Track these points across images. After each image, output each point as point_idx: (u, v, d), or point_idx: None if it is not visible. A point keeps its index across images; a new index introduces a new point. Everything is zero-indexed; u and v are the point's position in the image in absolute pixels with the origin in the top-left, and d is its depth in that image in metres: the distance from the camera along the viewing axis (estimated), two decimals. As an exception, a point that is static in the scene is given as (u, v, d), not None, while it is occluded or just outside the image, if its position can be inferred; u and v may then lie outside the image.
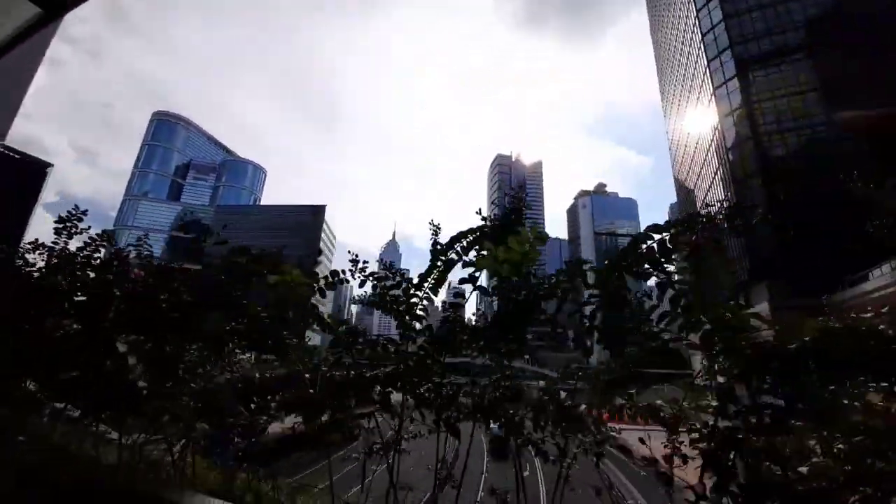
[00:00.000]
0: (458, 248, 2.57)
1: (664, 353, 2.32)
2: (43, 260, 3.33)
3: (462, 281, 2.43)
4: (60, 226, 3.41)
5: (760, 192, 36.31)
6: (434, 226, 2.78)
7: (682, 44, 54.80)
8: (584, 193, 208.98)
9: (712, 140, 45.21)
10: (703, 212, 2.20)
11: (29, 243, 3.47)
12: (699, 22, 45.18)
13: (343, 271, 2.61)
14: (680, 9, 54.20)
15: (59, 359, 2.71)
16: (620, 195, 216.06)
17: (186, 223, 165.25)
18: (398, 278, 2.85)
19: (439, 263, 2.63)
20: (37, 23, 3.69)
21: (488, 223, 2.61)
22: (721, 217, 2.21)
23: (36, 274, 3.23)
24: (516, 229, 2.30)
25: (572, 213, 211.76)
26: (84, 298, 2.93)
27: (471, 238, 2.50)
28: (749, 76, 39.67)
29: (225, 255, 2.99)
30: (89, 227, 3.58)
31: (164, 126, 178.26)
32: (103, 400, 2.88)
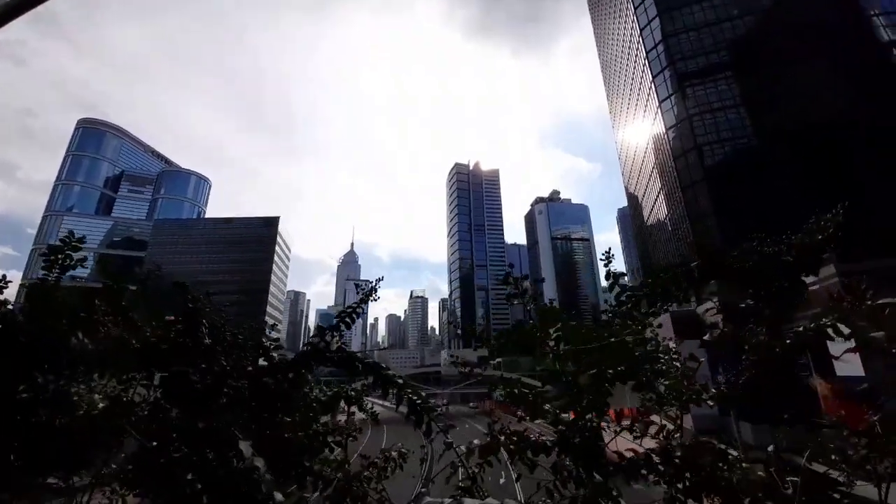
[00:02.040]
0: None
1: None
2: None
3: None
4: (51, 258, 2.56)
5: (705, 199, 39.46)
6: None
7: (627, 58, 58.86)
8: (539, 200, 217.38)
9: (658, 149, 48.68)
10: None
11: None
12: (643, 40, 48.74)
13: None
14: (623, 26, 58.33)
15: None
16: (574, 201, 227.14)
17: (119, 240, 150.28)
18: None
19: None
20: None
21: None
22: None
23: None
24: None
25: (530, 219, 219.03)
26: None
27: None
28: (688, 91, 43.26)
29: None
30: None
31: (92, 135, 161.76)
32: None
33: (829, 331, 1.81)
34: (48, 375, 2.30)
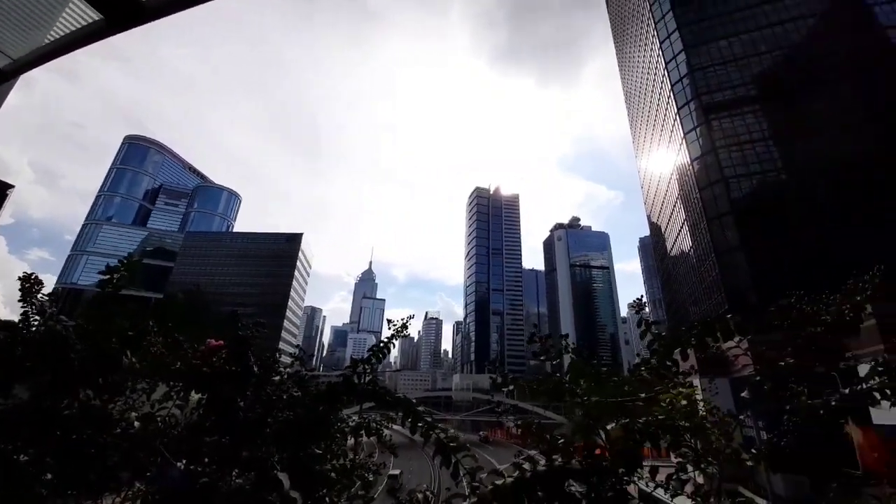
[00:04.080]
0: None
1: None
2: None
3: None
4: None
5: (732, 232, 38.31)
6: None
7: (651, 89, 59.15)
8: (559, 227, 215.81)
9: (682, 180, 47.96)
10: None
11: None
12: (668, 73, 49.03)
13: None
14: (647, 57, 58.97)
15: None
16: (594, 228, 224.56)
17: (152, 249, 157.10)
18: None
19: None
20: (96, 31, 3.09)
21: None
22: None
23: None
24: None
25: (548, 245, 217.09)
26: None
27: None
28: (714, 123, 42.89)
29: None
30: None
31: (136, 150, 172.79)
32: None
33: (877, 395, 1.74)
34: (91, 391, 2.41)
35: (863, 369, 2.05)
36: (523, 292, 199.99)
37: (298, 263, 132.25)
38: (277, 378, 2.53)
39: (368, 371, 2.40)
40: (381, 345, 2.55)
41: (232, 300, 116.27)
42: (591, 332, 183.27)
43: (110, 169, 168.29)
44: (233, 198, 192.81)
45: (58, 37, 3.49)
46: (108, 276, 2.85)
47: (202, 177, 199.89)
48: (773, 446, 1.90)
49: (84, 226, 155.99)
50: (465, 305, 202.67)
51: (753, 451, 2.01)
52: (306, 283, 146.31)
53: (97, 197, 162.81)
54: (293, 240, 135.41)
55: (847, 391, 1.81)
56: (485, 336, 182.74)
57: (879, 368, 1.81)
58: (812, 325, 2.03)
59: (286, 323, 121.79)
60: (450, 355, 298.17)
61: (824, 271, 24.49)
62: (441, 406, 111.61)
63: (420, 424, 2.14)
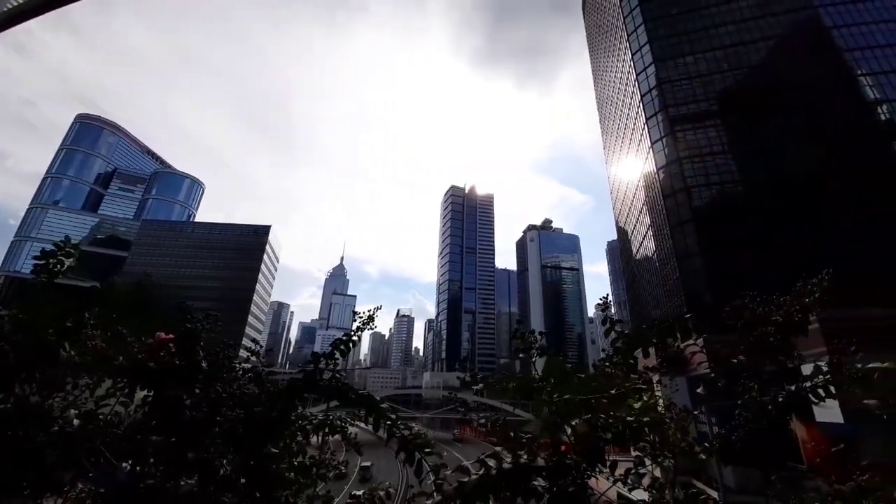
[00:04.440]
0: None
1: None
2: None
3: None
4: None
5: (692, 238, 40.42)
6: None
7: (622, 98, 61.37)
8: (532, 228, 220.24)
9: (648, 187, 50.12)
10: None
11: None
12: (639, 84, 51.01)
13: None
14: (620, 68, 61.13)
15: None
16: (565, 231, 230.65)
17: (103, 237, 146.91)
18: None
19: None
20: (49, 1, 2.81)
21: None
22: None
23: None
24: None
25: (521, 246, 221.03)
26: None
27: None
28: (679, 135, 45.06)
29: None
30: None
31: (88, 130, 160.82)
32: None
33: (821, 392, 1.86)
34: (28, 386, 2.19)
35: (806, 369, 2.18)
36: (495, 291, 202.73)
37: (265, 257, 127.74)
38: (228, 375, 2.38)
39: (331, 366, 2.31)
40: (346, 338, 2.46)
41: (192, 293, 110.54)
42: (559, 331, 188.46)
43: (59, 149, 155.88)
44: (195, 185, 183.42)
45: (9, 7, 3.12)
46: (43, 262, 2.60)
47: (162, 162, 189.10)
48: (724, 440, 2.00)
49: (29, 210, 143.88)
50: (438, 303, 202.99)
51: (706, 444, 2.10)
52: (273, 278, 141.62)
53: (44, 179, 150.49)
54: (260, 232, 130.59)
55: (793, 388, 1.92)
56: (456, 334, 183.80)
57: (822, 368, 1.93)
58: (763, 325, 2.16)
59: (250, 318, 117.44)
60: (421, 353, 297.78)
61: (775, 275, 26.37)
62: (411, 404, 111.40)
63: (384, 422, 2.09)
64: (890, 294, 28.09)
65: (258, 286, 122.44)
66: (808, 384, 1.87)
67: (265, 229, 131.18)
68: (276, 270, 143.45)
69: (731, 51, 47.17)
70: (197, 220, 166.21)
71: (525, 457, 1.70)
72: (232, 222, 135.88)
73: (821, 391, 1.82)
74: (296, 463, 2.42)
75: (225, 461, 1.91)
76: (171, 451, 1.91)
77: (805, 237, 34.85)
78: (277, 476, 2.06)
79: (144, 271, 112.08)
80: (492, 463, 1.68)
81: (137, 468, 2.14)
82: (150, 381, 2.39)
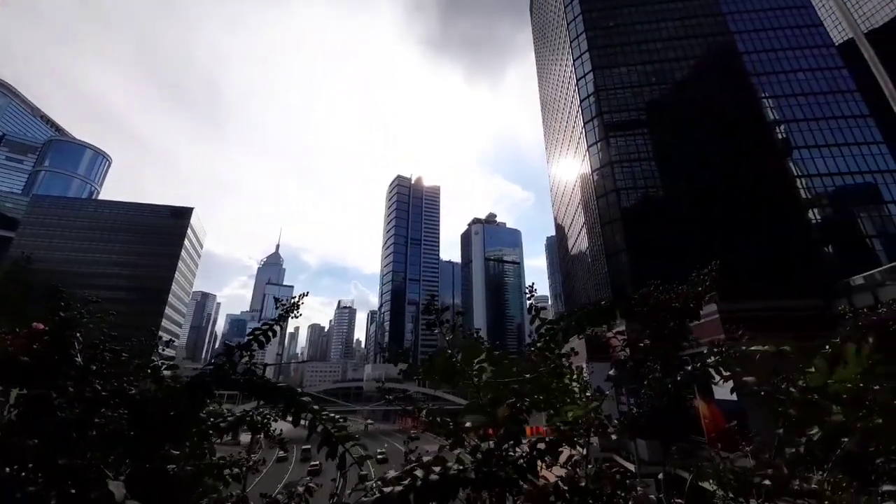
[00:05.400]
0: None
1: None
2: None
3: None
4: None
5: (620, 236, 44.18)
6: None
7: (564, 101, 64.69)
8: (476, 221, 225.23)
9: (584, 187, 53.69)
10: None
11: None
12: (578, 89, 54.04)
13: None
14: (562, 72, 64.28)
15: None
16: (508, 225, 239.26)
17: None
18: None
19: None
20: None
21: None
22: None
23: None
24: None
25: (466, 238, 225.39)
26: None
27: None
28: (612, 140, 48.71)
29: None
30: None
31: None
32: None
33: (712, 371, 2.10)
34: None
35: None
36: (440, 283, 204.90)
37: (186, 242, 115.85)
38: (110, 370, 2.08)
39: (246, 359, 2.11)
40: (266, 327, 2.28)
41: (97, 281, 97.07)
42: (500, 322, 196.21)
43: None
44: (99, 158, 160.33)
45: None
46: None
47: (58, 129, 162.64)
48: (631, 417, 2.20)
49: None
50: (381, 294, 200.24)
51: (616, 421, 2.30)
52: (196, 266, 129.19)
53: None
54: (181, 214, 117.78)
55: (689, 368, 2.16)
56: (399, 325, 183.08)
57: (714, 349, 2.19)
58: (665, 311, 2.42)
59: (168, 310, 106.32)
60: (363, 345, 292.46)
61: (685, 269, 29.78)
62: (351, 397, 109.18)
63: (305, 416, 1.96)
64: (769, 288, 33.16)
65: (177, 274, 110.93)
66: (699, 364, 2.12)
67: (187, 211, 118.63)
68: (199, 257, 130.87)
69: (658, 66, 51.73)
70: (102, 197, 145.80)
71: (454, 467, 1.66)
72: (146, 202, 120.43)
73: (711, 370, 2.06)
74: (202, 465, 2.19)
75: (103, 467, 1.66)
76: (38, 456, 1.62)
77: (712, 240, 39.75)
78: (180, 480, 1.84)
79: (23, 252, 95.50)
80: (419, 473, 1.60)
81: (22, 474, 1.81)
82: (17, 378, 2.01)
